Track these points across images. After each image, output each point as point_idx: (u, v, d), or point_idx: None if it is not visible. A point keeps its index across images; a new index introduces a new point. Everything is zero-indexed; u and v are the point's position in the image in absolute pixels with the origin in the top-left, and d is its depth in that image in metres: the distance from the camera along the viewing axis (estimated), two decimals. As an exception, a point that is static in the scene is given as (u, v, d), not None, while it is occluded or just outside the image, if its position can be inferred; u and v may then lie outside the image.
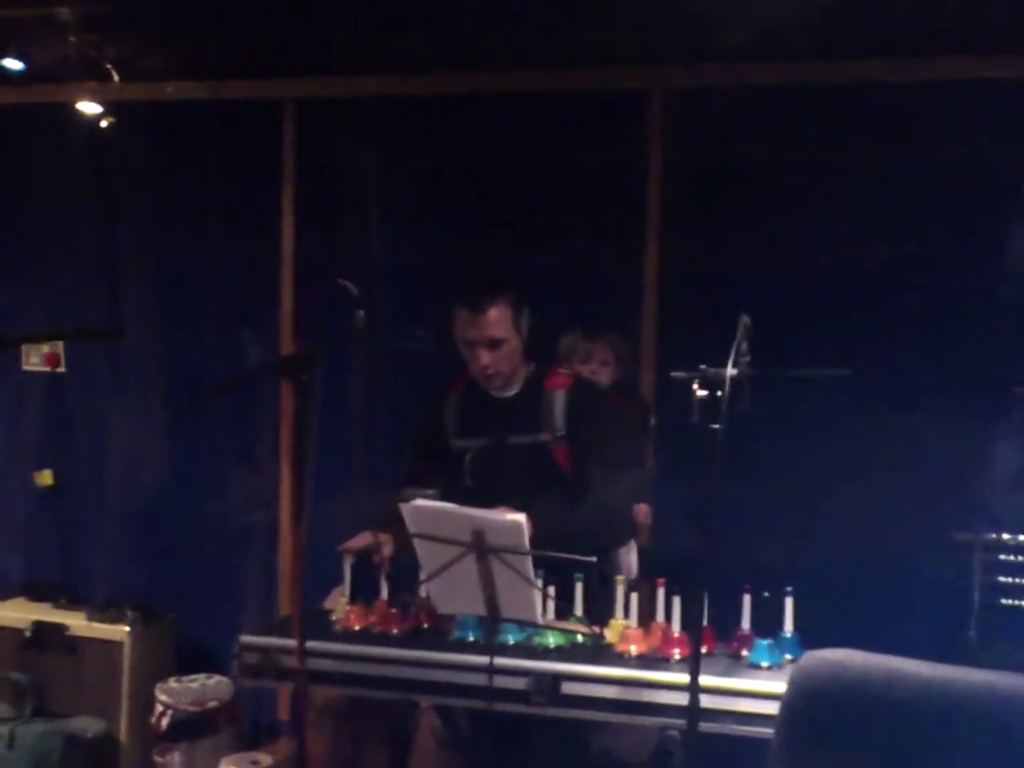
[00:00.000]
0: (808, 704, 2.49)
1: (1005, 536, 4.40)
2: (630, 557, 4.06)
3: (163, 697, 4.69)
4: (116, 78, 4.59)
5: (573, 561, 3.13)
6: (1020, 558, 4.40)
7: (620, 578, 3.47)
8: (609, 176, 4.82)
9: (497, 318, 3.60)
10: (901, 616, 4.24)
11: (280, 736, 5.06)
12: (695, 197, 4.72)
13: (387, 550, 3.55)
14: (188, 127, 5.13)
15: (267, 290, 5.23)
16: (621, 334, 4.52)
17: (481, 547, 2.99)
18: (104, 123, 4.83)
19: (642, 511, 3.99)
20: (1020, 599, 4.37)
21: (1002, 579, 4.39)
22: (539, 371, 3.76)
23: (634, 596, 3.43)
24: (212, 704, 4.74)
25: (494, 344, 3.62)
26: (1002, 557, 4.40)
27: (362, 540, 3.63)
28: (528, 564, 3.03)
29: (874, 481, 4.48)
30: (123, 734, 4.85)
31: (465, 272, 3.97)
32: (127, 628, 4.87)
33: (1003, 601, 4.38)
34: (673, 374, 2.97)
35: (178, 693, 4.70)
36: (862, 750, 2.42)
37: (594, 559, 3.11)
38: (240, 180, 5.18)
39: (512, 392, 3.74)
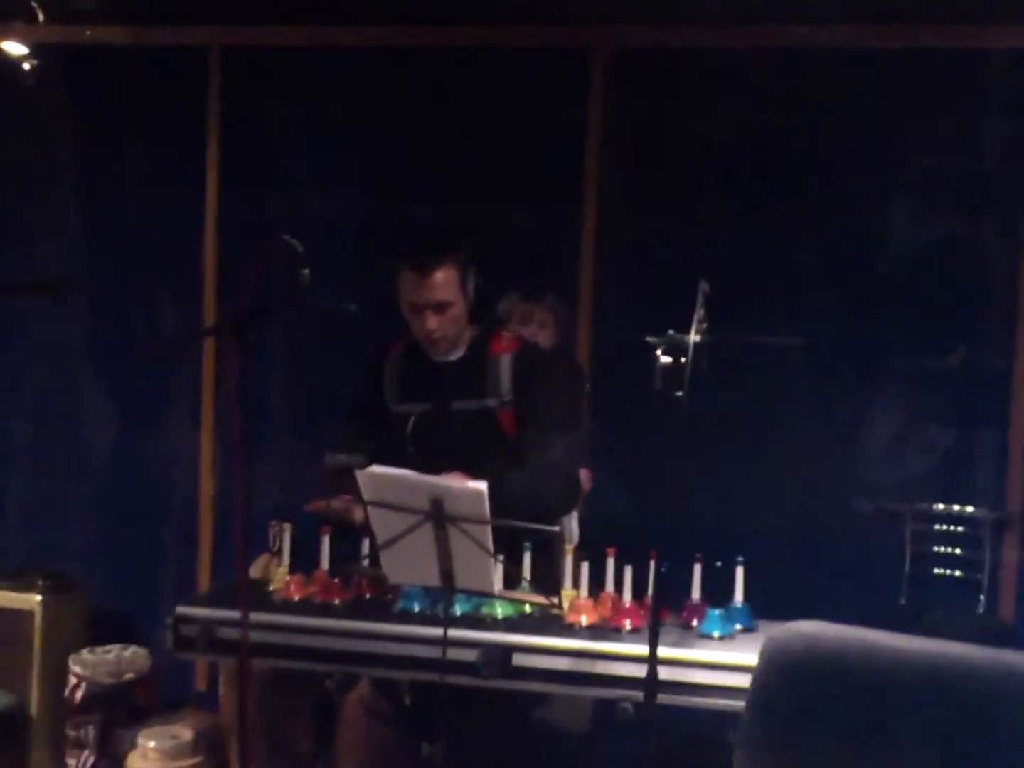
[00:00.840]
0: (780, 677, 2.45)
1: (938, 506, 4.44)
2: (571, 523, 4.00)
3: (77, 669, 4.52)
4: (41, 18, 4.38)
5: (534, 530, 3.05)
6: (952, 528, 4.44)
7: (570, 547, 3.40)
8: (547, 136, 4.73)
9: (444, 281, 3.49)
10: (841, 585, 4.26)
11: (198, 708, 4.91)
12: (636, 160, 4.65)
13: (359, 515, 3.40)
14: (111, 73, 4.94)
15: (190, 244, 5.05)
16: (560, 297, 4.43)
17: (440, 516, 2.89)
18: (27, 65, 4.61)
19: (583, 476, 3.92)
20: (952, 569, 4.41)
21: (935, 549, 4.43)
22: (483, 335, 3.66)
23: (584, 565, 3.37)
24: (128, 676, 4.59)
25: (440, 307, 3.51)
26: (936, 527, 4.44)
27: (340, 503, 3.47)
28: (488, 534, 2.94)
29: (821, 451, 4.50)
30: (34, 707, 4.66)
31: (411, 231, 3.84)
32: (38, 597, 4.68)
33: (935, 571, 4.43)
34: (648, 339, 2.89)
35: (93, 664, 4.54)
36: (836, 723, 2.39)
37: (556, 528, 3.04)
38: (164, 130, 5.00)
39: (456, 356, 3.64)
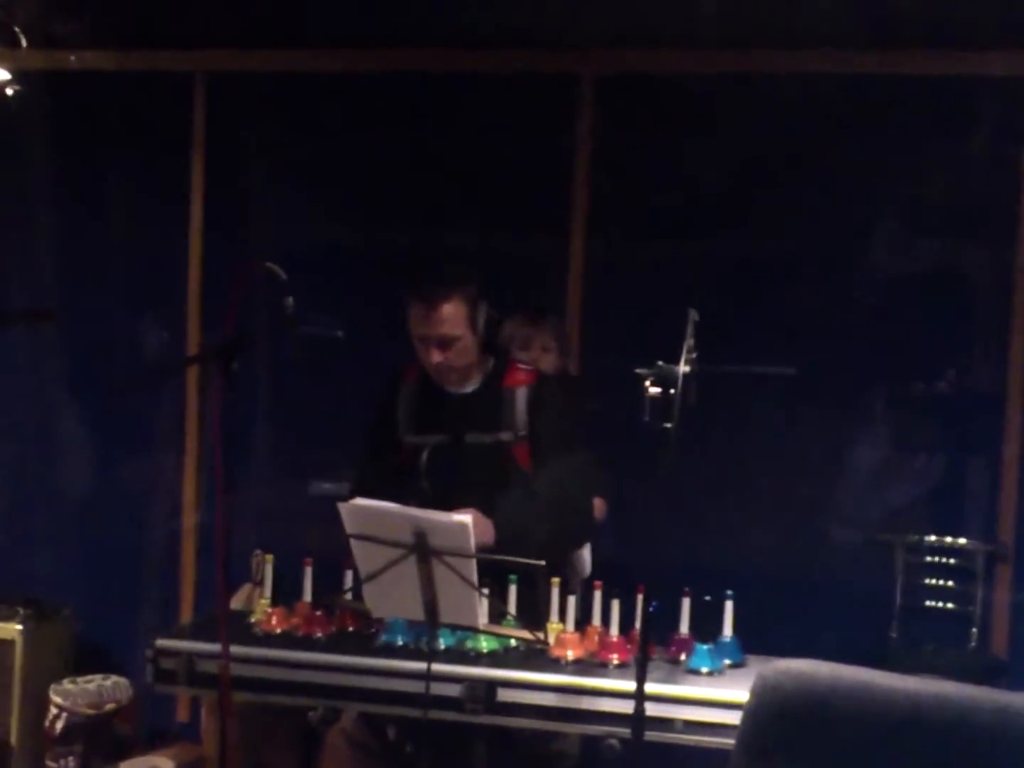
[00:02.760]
0: (772, 715, 2.41)
1: (930, 538, 4.40)
2: (584, 554, 3.94)
3: (58, 699, 4.45)
4: (24, 44, 4.34)
5: (521, 564, 3.01)
6: (944, 560, 4.40)
7: (556, 580, 3.35)
8: (537, 161, 4.70)
9: (451, 315, 3.43)
10: (831, 619, 4.22)
11: (179, 739, 4.86)
12: (625, 185, 4.62)
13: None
14: (96, 98, 4.91)
15: (174, 271, 5.01)
16: (560, 318, 4.38)
17: (424, 549, 2.84)
18: (9, 91, 4.57)
19: (598, 504, 3.88)
20: (944, 601, 4.37)
21: (927, 581, 4.39)
22: (498, 366, 3.60)
23: (571, 599, 3.32)
24: (110, 706, 4.52)
25: (446, 341, 3.46)
26: (927, 559, 4.40)
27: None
28: (472, 567, 2.90)
29: (810, 482, 4.46)
30: (14, 738, 4.59)
31: (421, 263, 3.76)
32: (18, 626, 4.61)
33: (927, 603, 4.39)
34: (637, 371, 2.85)
35: (74, 695, 4.47)
36: (828, 762, 2.35)
37: (543, 562, 2.99)
38: (148, 155, 4.96)
39: (470, 388, 3.58)
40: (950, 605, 4.38)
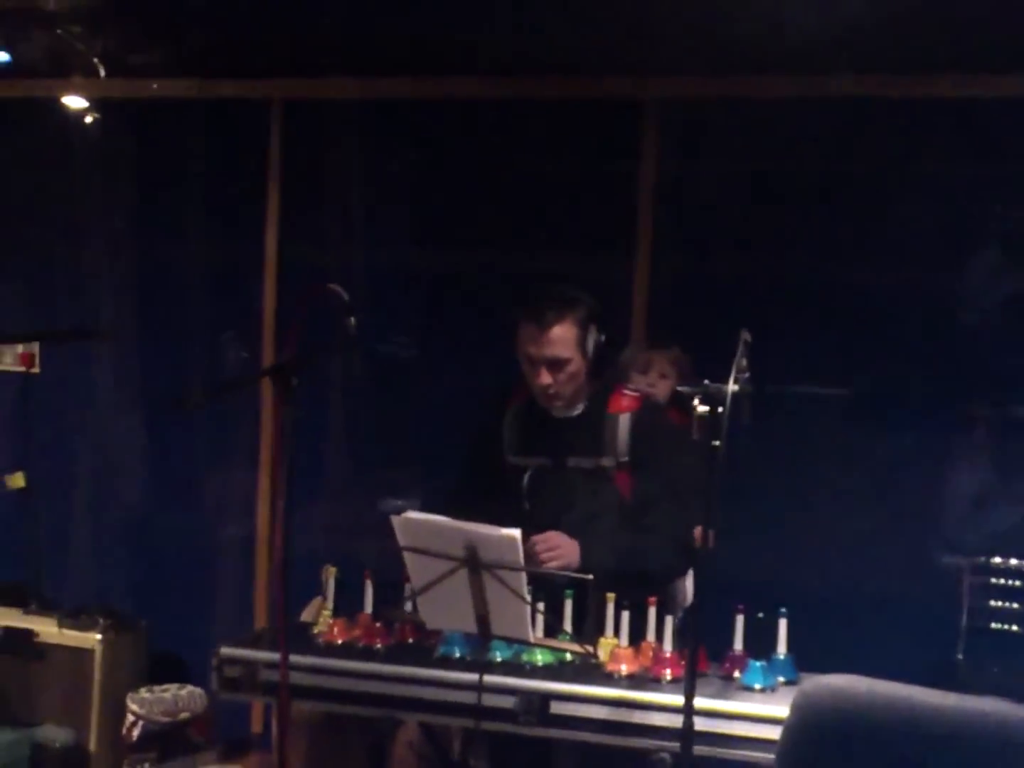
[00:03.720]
0: (811, 731, 2.42)
1: (995, 560, 4.36)
2: (686, 583, 3.90)
3: (134, 707, 4.59)
4: (102, 73, 4.49)
5: (571, 579, 3.05)
6: (1010, 582, 4.36)
7: (611, 596, 3.38)
8: (601, 186, 4.76)
9: (561, 337, 3.44)
10: (892, 638, 4.19)
11: (253, 749, 4.96)
12: (689, 210, 4.65)
13: None
14: (174, 125, 5.07)
15: (250, 293, 5.14)
16: (683, 349, 4.41)
17: (474, 562, 2.91)
18: (89, 119, 4.73)
19: (697, 534, 3.88)
20: (1010, 623, 4.33)
21: (992, 603, 4.35)
22: (603, 391, 3.59)
23: (625, 614, 3.35)
24: (184, 715, 4.65)
25: (556, 364, 3.46)
26: (992, 581, 4.36)
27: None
28: (522, 580, 2.95)
29: (868, 502, 4.43)
30: (93, 744, 4.71)
31: (536, 285, 3.80)
32: (98, 635, 4.75)
33: (993, 625, 4.34)
34: (679, 388, 2.89)
35: (150, 703, 4.60)
36: (867, 779, 2.35)
37: (590, 576, 3.03)
38: (225, 181, 5.11)
39: (574, 412, 3.59)
40: (1015, 627, 4.33)
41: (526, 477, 3.56)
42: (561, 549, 3.33)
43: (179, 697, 4.65)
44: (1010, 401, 4.46)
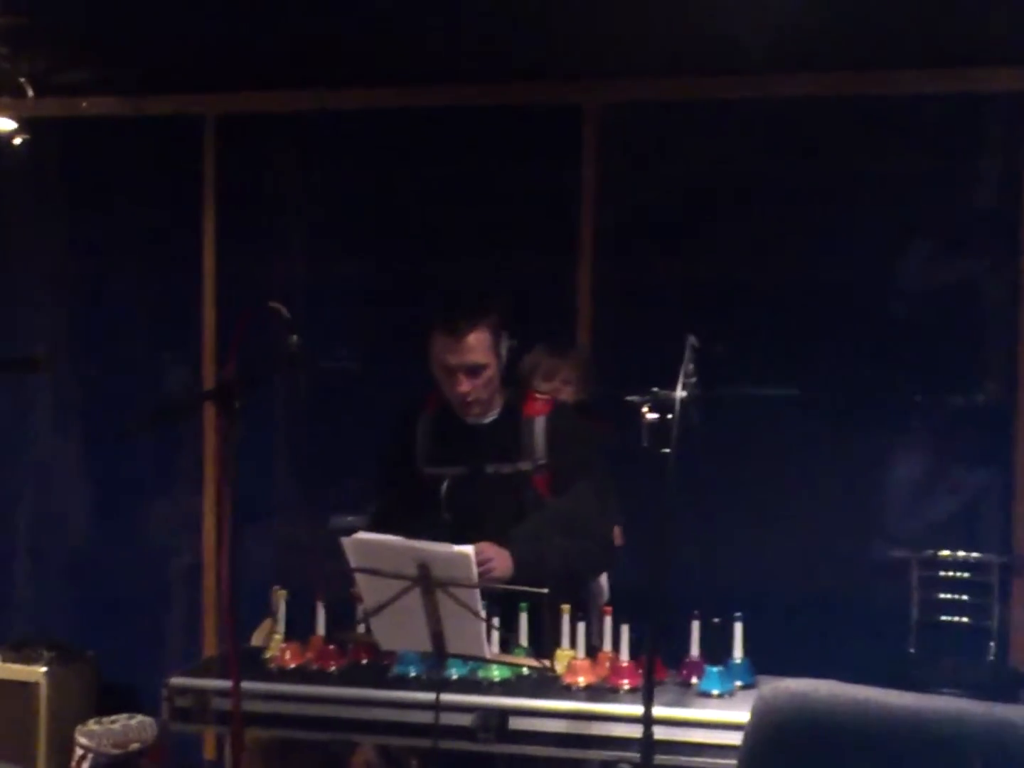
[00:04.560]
0: (772, 736, 2.40)
1: (943, 552, 4.40)
2: (602, 580, 3.95)
3: (83, 740, 4.51)
4: (31, 93, 4.41)
5: (524, 593, 3.03)
6: (958, 574, 4.39)
7: (566, 607, 3.37)
8: (543, 192, 4.74)
9: (477, 343, 3.45)
10: (845, 635, 4.21)
11: (206, 777, 4.89)
12: (631, 214, 4.65)
13: None
14: (106, 144, 4.99)
15: (189, 314, 5.07)
16: (584, 353, 4.41)
17: (427, 580, 2.87)
18: (18, 140, 4.64)
19: (616, 533, 3.90)
20: (960, 615, 4.36)
21: (942, 596, 4.38)
22: (516, 396, 3.62)
23: (580, 626, 3.33)
24: (135, 746, 4.57)
25: (474, 370, 3.46)
26: (941, 574, 4.39)
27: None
28: (476, 597, 2.92)
29: (819, 501, 4.46)
30: (41, 779, 4.65)
31: (445, 293, 3.79)
32: (43, 668, 4.68)
33: (943, 618, 4.37)
34: (628, 398, 2.88)
35: (99, 735, 4.52)
36: (830, 783, 2.34)
37: (545, 591, 3.01)
38: (160, 199, 5.05)
39: (489, 419, 3.59)
40: (966, 619, 4.37)
41: (444, 486, 3.54)
42: (493, 561, 3.31)
43: (129, 728, 4.58)
44: (950, 392, 4.51)
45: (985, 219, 4.45)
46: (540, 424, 3.55)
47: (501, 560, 3.33)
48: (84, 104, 4.93)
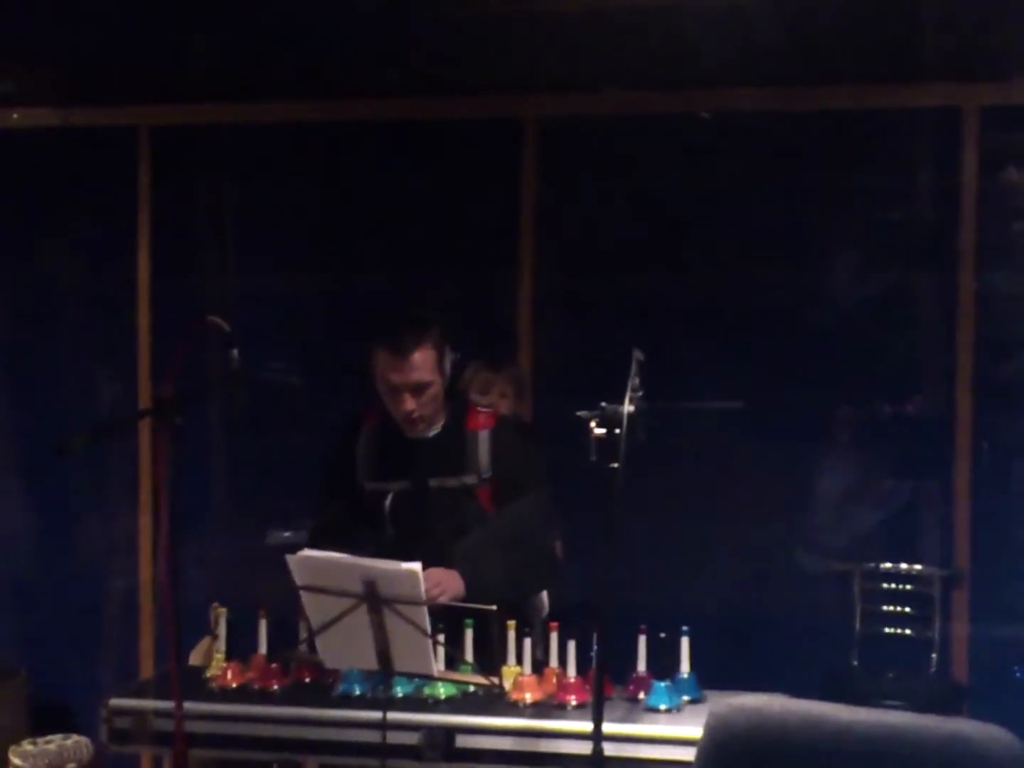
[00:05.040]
0: (725, 753, 2.39)
1: (885, 564, 4.42)
2: (542, 595, 3.92)
3: (17, 761, 4.38)
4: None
5: (474, 610, 3.00)
6: (900, 586, 4.42)
7: (512, 623, 3.34)
8: (483, 206, 4.72)
9: (422, 361, 3.42)
10: (790, 648, 4.22)
11: (143, 799, 4.80)
12: (571, 228, 4.65)
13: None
14: (38, 156, 4.90)
15: (123, 327, 4.99)
16: (518, 367, 4.41)
17: (374, 598, 2.83)
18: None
19: (558, 546, 3.89)
20: (903, 627, 4.38)
21: (885, 608, 4.41)
22: (458, 409, 3.59)
23: (527, 641, 3.31)
24: (71, 766, 4.46)
25: (419, 388, 3.43)
26: (884, 585, 4.42)
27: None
28: (424, 615, 2.89)
29: (762, 514, 4.47)
30: (-27, 804, 4.53)
31: (388, 310, 3.77)
32: (-26, 688, 4.57)
33: (886, 630, 4.39)
34: (577, 413, 2.86)
35: (33, 756, 4.40)
36: (782, 800, 2.33)
37: (494, 607, 2.99)
38: (94, 211, 4.97)
39: (432, 433, 3.56)
40: (909, 631, 4.39)
41: (387, 501, 3.52)
42: (443, 583, 3.28)
43: (65, 748, 4.46)
44: (890, 403, 4.54)
45: (922, 230, 4.49)
46: (484, 437, 3.54)
47: (451, 582, 3.30)
48: (15, 115, 4.85)
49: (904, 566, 4.40)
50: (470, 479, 3.52)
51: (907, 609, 4.40)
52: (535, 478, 3.55)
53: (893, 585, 4.41)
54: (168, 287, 4.99)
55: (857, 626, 4.41)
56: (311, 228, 4.90)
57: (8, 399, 5.09)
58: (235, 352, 3.20)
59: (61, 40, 4.27)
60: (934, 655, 4.34)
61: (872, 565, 4.43)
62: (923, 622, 4.38)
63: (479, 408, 3.67)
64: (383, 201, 4.84)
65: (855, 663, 4.38)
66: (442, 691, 3.26)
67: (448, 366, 3.51)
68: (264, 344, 4.76)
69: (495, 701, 3.24)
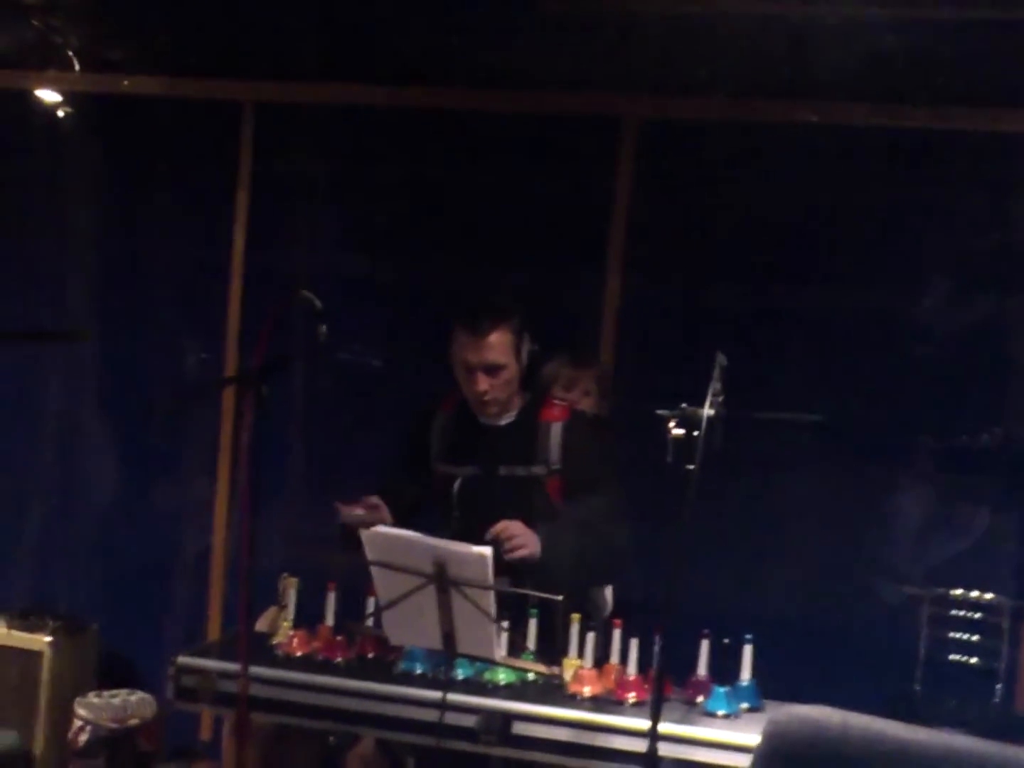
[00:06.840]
0: (782, 761, 2.40)
1: (956, 591, 4.37)
2: (606, 592, 3.94)
3: (82, 712, 4.49)
4: (77, 67, 4.40)
5: (540, 598, 3.03)
6: (969, 614, 4.36)
7: (576, 616, 3.36)
8: (575, 202, 4.72)
9: (498, 343, 3.51)
10: (852, 667, 4.19)
11: (200, 757, 4.88)
12: (663, 229, 4.64)
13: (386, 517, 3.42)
14: (144, 123, 4.98)
15: (215, 297, 5.05)
16: (606, 366, 4.41)
17: (443, 579, 2.87)
18: (61, 113, 4.64)
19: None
20: (969, 655, 4.33)
21: (952, 635, 4.35)
22: (534, 401, 3.65)
23: (590, 635, 3.33)
24: (133, 722, 4.55)
25: (493, 370, 3.52)
26: (952, 612, 4.36)
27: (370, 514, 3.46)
28: (490, 599, 2.92)
29: (835, 530, 4.43)
30: (38, 748, 4.64)
31: (460, 299, 3.84)
32: (48, 638, 4.67)
33: (951, 657, 4.34)
34: (657, 411, 2.88)
35: (98, 708, 4.51)
36: (836, 812, 2.33)
37: (560, 597, 3.01)
38: (194, 182, 5.03)
39: (506, 421, 3.63)
40: (974, 660, 4.34)
41: (456, 485, 3.57)
42: (522, 538, 3.32)
43: (129, 704, 4.56)
44: (971, 431, 4.48)
45: (1018, 255, 4.43)
46: (557, 429, 3.58)
47: (529, 538, 3.34)
48: (125, 82, 4.93)
49: (974, 594, 4.34)
50: (539, 469, 3.56)
51: (974, 637, 4.35)
52: (605, 474, 3.58)
53: (962, 612, 4.35)
54: (261, 262, 5.05)
55: (922, 651, 4.35)
56: (404, 213, 4.93)
57: (103, 361, 5.17)
58: (324, 328, 3.26)
59: (172, 11, 4.34)
60: (999, 685, 4.29)
61: (942, 591, 4.38)
62: (990, 652, 4.31)
63: (554, 401, 3.71)
64: (478, 191, 4.86)
65: (917, 688, 4.33)
66: (502, 677, 3.30)
67: (525, 354, 3.57)
68: (350, 325, 4.81)
69: (554, 691, 3.28)
